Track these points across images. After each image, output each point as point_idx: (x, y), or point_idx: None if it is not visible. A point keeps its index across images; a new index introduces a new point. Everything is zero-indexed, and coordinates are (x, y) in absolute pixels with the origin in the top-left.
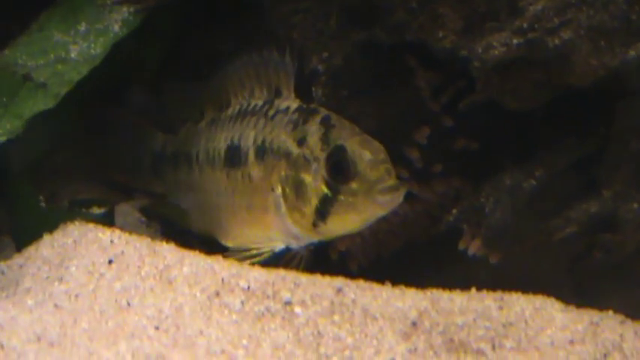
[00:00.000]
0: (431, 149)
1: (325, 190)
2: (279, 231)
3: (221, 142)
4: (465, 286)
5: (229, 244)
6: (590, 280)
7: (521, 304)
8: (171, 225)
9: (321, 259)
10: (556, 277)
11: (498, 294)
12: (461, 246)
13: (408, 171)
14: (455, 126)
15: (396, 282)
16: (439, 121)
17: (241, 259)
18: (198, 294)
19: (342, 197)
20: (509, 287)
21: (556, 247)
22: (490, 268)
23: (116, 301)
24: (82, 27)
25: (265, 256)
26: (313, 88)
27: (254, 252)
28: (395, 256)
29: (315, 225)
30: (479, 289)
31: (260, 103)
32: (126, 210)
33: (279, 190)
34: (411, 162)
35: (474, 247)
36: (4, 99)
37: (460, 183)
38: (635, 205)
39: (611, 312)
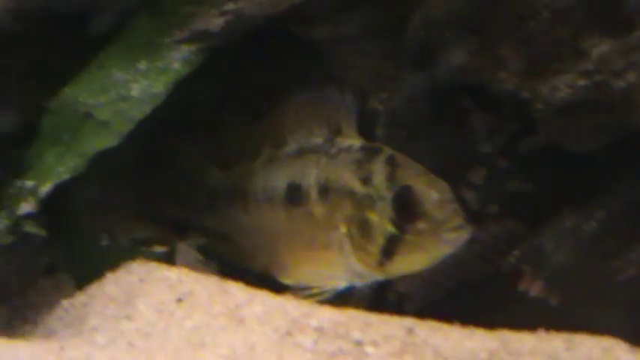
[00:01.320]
0: (486, 190)
1: (391, 229)
2: (342, 269)
3: (280, 180)
4: (518, 327)
5: (288, 281)
6: None
7: (588, 346)
8: (229, 264)
9: (378, 299)
10: (616, 319)
11: (566, 335)
12: (521, 287)
13: (465, 213)
14: (512, 167)
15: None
16: (495, 162)
17: (304, 298)
18: (270, 333)
19: (408, 237)
20: (568, 329)
21: (616, 289)
22: (546, 309)
23: (188, 339)
24: (142, 65)
25: (328, 294)
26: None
27: (316, 290)
28: (449, 297)
29: (380, 264)
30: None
31: (320, 141)
32: (184, 249)
33: (343, 228)
34: (467, 203)
35: (535, 289)
36: (66, 137)
37: (514, 225)
38: None
39: None
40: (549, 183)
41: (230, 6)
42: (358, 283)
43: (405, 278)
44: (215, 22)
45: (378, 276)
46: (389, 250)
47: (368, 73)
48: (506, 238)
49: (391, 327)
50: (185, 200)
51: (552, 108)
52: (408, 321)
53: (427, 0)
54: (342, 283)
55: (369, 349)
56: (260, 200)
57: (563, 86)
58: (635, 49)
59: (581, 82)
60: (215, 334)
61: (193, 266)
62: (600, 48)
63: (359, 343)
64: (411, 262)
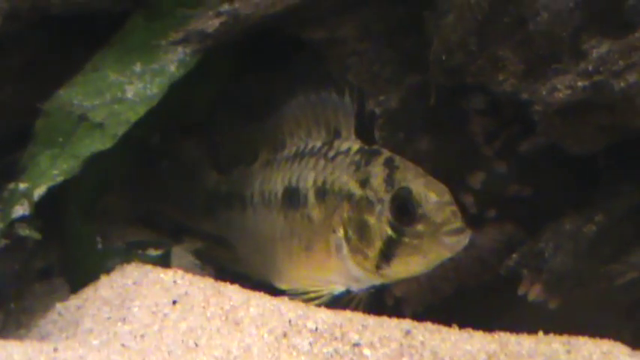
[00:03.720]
0: (485, 194)
1: (390, 232)
2: (339, 273)
3: (278, 183)
4: (518, 331)
5: (284, 286)
6: None
7: (588, 348)
8: (225, 268)
9: (375, 304)
10: (615, 322)
11: (565, 338)
12: (521, 291)
13: (463, 216)
14: (511, 171)
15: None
16: (494, 166)
17: (301, 302)
18: (265, 335)
19: (407, 239)
20: (568, 333)
21: (616, 293)
22: (543, 313)
23: (183, 341)
24: (138, 67)
25: (325, 299)
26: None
27: (313, 295)
28: (446, 302)
29: (378, 267)
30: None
31: (318, 144)
32: (180, 253)
33: (340, 232)
34: (465, 207)
35: (534, 293)
36: (61, 139)
37: (513, 229)
38: None
39: None
40: (549, 186)
41: (225, 7)
42: (355, 287)
43: (402, 283)
44: (210, 23)
45: (375, 280)
46: (387, 254)
47: (365, 75)
48: (505, 243)
49: (389, 329)
50: (181, 204)
51: (551, 109)
52: (406, 323)
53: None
54: (339, 288)
55: (367, 352)
56: (257, 204)
57: (563, 87)
58: (635, 50)
59: (581, 83)
60: (210, 335)
61: (189, 270)
62: (600, 49)
63: (356, 345)
64: (409, 265)
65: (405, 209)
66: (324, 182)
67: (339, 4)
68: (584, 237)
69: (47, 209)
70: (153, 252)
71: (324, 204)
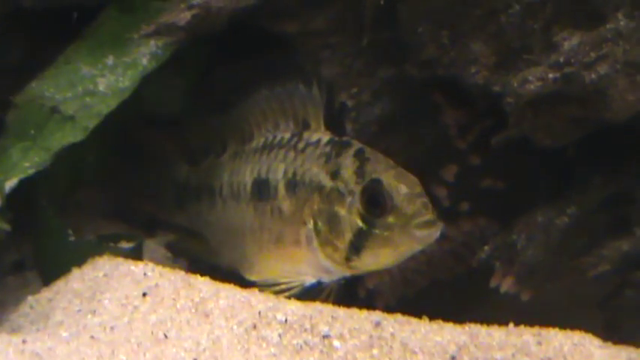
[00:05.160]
0: (458, 187)
1: (360, 223)
2: (309, 265)
3: (247, 175)
4: (490, 323)
5: (254, 278)
6: (620, 318)
7: (559, 340)
8: (198, 261)
9: (348, 296)
10: (587, 314)
11: (536, 329)
12: (493, 283)
13: (436, 209)
14: (484, 164)
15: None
16: (467, 159)
17: (272, 294)
18: (235, 327)
19: (377, 231)
20: (540, 325)
21: (588, 285)
22: (515, 306)
23: (152, 333)
24: (110, 60)
25: (295, 290)
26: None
27: (283, 286)
28: (419, 295)
29: (348, 259)
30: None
31: (287, 135)
32: (152, 246)
33: (311, 223)
34: (438, 200)
35: (506, 284)
36: (32, 131)
37: (486, 222)
38: None
39: None
40: (522, 179)
41: (197, 0)
42: (326, 279)
43: (374, 275)
44: (182, 16)
45: (345, 272)
46: (357, 245)
47: (338, 68)
48: (478, 236)
49: (358, 321)
50: (153, 196)
51: (522, 101)
52: (376, 315)
53: None
54: (309, 279)
55: (336, 343)
56: (226, 196)
57: (534, 79)
58: (606, 41)
59: (552, 75)
60: (179, 327)
61: (162, 263)
62: (571, 40)
63: (326, 337)
64: (379, 257)
65: (375, 201)
66: (294, 174)
67: None
68: (557, 229)
69: (20, 202)
70: (125, 245)
71: (295, 196)
